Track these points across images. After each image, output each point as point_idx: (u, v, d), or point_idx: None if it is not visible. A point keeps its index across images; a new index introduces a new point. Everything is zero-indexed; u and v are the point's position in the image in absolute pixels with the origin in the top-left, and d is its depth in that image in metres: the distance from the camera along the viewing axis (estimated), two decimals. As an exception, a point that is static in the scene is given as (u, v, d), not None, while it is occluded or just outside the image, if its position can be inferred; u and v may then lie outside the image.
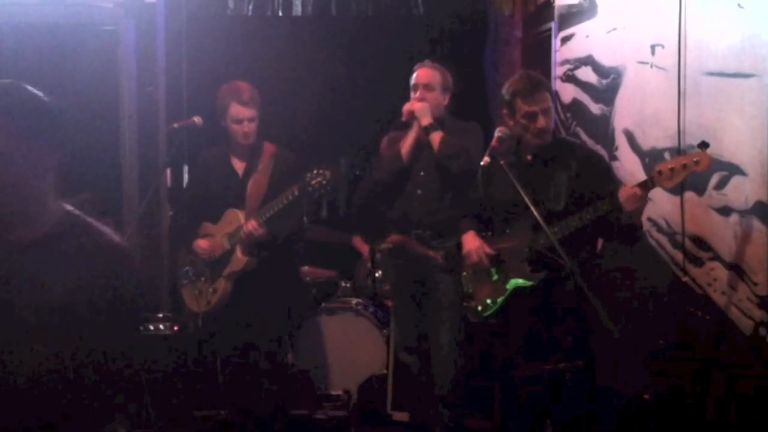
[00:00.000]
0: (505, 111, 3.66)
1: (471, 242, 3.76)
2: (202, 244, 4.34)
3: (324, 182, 3.92)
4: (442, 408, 4.24)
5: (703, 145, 3.27)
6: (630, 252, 4.09)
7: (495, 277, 3.68)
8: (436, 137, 4.10)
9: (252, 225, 4.13)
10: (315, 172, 3.94)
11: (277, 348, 4.50)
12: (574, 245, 3.40)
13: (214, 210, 4.38)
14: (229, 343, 4.40)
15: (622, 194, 3.35)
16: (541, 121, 3.55)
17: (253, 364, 4.37)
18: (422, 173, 4.21)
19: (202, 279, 4.36)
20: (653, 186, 3.34)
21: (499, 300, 3.65)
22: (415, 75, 4.25)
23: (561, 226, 3.44)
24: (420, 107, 4.13)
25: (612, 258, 4.39)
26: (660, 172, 3.29)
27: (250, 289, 4.27)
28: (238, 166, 4.37)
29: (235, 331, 4.35)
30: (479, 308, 3.73)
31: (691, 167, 3.24)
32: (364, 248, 5.54)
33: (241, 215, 4.26)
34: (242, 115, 4.24)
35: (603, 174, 3.52)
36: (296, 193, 4.01)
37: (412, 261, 4.25)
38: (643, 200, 3.38)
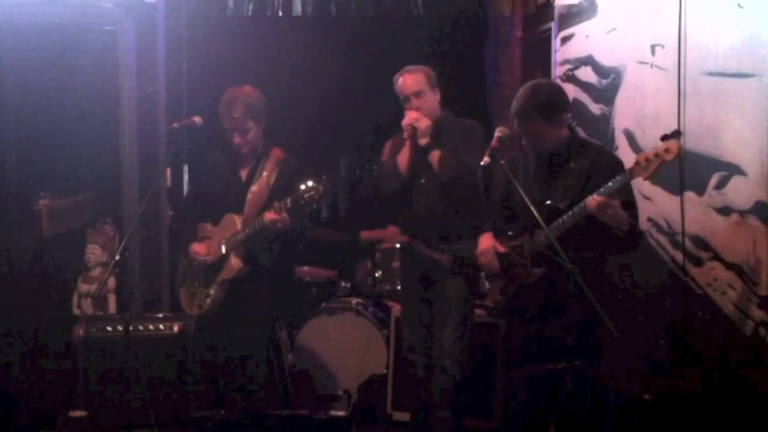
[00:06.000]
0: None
1: (483, 243, 3.79)
2: (197, 249, 4.28)
3: (316, 197, 3.88)
4: (443, 408, 4.23)
5: (676, 133, 3.27)
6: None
7: (504, 276, 3.70)
8: (435, 156, 4.08)
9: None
10: (309, 185, 3.87)
11: (267, 352, 4.43)
12: (578, 245, 3.39)
13: (215, 211, 4.33)
14: (220, 347, 4.35)
15: (589, 203, 3.34)
16: (528, 141, 3.61)
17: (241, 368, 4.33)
18: (423, 180, 4.20)
19: (197, 282, 4.32)
20: (631, 177, 3.33)
21: (504, 299, 3.66)
22: (399, 85, 4.16)
23: (558, 224, 3.44)
24: (422, 127, 4.06)
25: (613, 257, 4.39)
26: (637, 163, 3.30)
27: (242, 294, 4.22)
28: (243, 171, 4.31)
29: (225, 336, 4.30)
30: (492, 306, 3.74)
31: (662, 156, 3.25)
32: (374, 234, 5.44)
33: (238, 221, 4.20)
34: (233, 126, 4.18)
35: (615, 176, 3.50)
36: (289, 205, 3.97)
37: (420, 262, 4.25)
38: (610, 208, 3.34)
